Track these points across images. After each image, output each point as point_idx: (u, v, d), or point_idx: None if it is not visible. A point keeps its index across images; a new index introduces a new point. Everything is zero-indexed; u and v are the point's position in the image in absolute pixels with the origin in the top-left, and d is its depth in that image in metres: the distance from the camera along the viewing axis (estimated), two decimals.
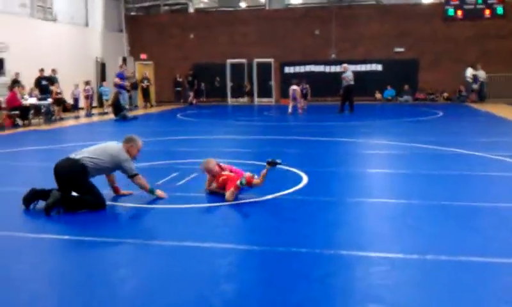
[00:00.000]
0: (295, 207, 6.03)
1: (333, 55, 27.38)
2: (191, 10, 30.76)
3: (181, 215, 5.83)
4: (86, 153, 6.10)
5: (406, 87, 26.49)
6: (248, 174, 6.29)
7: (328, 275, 3.97)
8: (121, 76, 21.47)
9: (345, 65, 20.76)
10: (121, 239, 4.92)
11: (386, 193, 6.85)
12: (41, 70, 20.02)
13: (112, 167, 6.18)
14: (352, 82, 19.71)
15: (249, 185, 6.21)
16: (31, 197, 6.00)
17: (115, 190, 6.58)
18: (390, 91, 27.00)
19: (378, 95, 27.16)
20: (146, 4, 30.81)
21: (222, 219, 5.73)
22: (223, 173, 6.52)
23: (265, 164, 6.38)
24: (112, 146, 6.25)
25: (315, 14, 27.75)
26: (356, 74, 21.32)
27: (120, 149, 6.20)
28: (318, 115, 19.74)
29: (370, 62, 27.13)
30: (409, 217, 5.53)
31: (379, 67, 27.21)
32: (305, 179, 7.36)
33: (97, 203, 5.91)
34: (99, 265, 4.36)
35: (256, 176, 6.31)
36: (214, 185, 6.56)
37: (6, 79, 18.69)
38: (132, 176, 6.22)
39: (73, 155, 6.08)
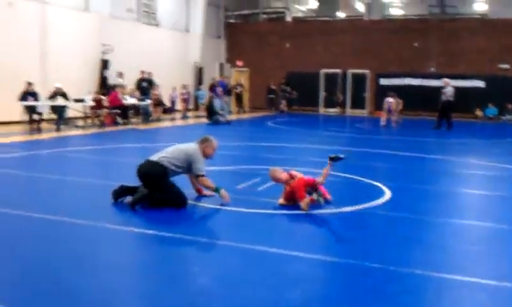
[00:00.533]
0: (373, 221, 5.88)
1: (432, 69, 26.43)
2: (289, 19, 31.01)
3: (257, 219, 5.87)
4: (164, 153, 6.35)
5: (510, 106, 24.97)
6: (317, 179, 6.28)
7: (401, 294, 3.83)
8: (223, 85, 22.09)
9: (446, 80, 19.91)
10: (197, 237, 5.04)
11: (475, 215, 6.49)
12: (142, 72, 21.01)
13: (187, 167, 6.37)
14: (452, 98, 18.92)
15: (315, 186, 6.22)
16: (120, 192, 6.32)
17: (198, 190, 6.76)
18: (492, 110, 25.56)
19: (479, 113, 25.81)
20: (245, 12, 31.47)
21: (297, 226, 5.71)
22: (291, 181, 6.37)
23: (328, 160, 6.32)
24: (188, 147, 6.45)
25: (414, 26, 26.99)
26: (456, 90, 20.41)
27: (196, 150, 6.39)
28: (412, 129, 19.10)
29: (472, 78, 25.87)
30: (495, 242, 5.20)
31: (481, 83, 25.89)
32: (388, 194, 7.15)
33: (178, 201, 6.12)
34: (174, 260, 4.49)
35: (318, 178, 6.24)
36: (281, 200, 6.40)
37: (122, 81, 19.66)
38: (198, 176, 6.38)
39: (153, 157, 6.35)
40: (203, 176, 6.37)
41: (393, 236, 5.34)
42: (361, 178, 8.38)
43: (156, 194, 6.16)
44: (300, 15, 32.78)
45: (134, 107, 19.35)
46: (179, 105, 23.46)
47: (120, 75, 19.90)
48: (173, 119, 21.48)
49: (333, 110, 28.44)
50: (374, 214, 6.15)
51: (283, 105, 28.21)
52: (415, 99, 24.88)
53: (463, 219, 6.17)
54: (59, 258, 4.43)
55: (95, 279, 3.98)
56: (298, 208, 6.13)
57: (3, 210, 5.80)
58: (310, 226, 5.77)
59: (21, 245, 4.77)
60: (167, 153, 6.35)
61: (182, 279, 4.05)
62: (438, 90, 20.87)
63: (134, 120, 18.93)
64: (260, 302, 3.60)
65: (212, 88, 22.41)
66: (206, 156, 6.45)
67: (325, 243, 5.12)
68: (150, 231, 5.27)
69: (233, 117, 23.25)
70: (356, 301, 3.67)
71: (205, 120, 20.31)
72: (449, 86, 19.28)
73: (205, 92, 25.87)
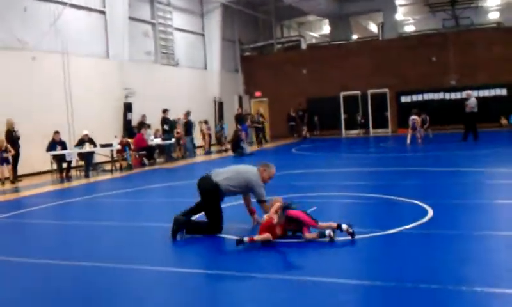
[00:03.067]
0: (421, 241, 5.77)
1: (453, 82, 26.27)
2: (304, 46, 31.23)
3: (300, 248, 5.80)
4: (225, 175, 6.54)
5: None
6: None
7: None
8: (245, 128, 22.42)
9: (468, 92, 19.84)
10: (245, 273, 5.00)
11: None
12: (165, 111, 21.24)
13: (242, 189, 6.56)
14: (475, 109, 18.79)
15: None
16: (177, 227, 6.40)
17: (250, 211, 6.89)
18: None
19: (504, 121, 25.45)
20: (260, 43, 31.82)
21: (344, 253, 5.60)
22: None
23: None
24: (247, 169, 6.64)
25: (430, 41, 26.97)
26: (479, 100, 20.24)
27: (255, 174, 6.57)
28: (439, 144, 18.91)
29: (494, 87, 25.65)
30: None
31: (503, 91, 25.64)
32: (430, 212, 7.03)
33: (216, 228, 6.35)
34: (227, 299, 4.46)
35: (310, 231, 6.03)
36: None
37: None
38: (260, 201, 6.51)
39: (213, 176, 6.58)
40: (265, 201, 6.50)
41: (444, 254, 5.20)
42: (398, 198, 8.28)
43: (193, 221, 6.51)
44: (314, 41, 33.01)
45: (159, 147, 19.55)
46: (201, 141, 23.58)
47: (144, 117, 20.16)
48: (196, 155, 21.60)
49: (355, 132, 28.37)
50: (420, 234, 6.03)
51: (305, 131, 28.26)
52: (437, 113, 24.73)
53: (508, 231, 6.02)
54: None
55: None
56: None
57: (50, 261, 5.85)
58: (358, 251, 5.64)
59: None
60: (223, 173, 6.58)
61: None
62: (460, 102, 20.80)
63: (159, 160, 19.10)
64: None
65: (238, 121, 22.78)
66: (263, 181, 6.60)
67: (376, 267, 5.00)
68: (196, 270, 5.25)
69: (254, 148, 23.30)
70: None
71: (228, 154, 20.41)
72: (472, 97, 19.16)
73: (226, 125, 26.04)
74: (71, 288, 4.93)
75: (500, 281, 4.33)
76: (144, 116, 20.24)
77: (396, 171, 12.48)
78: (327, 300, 4.13)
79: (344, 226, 5.92)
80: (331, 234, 5.84)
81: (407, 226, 6.32)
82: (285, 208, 6.12)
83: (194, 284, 4.88)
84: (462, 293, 4.08)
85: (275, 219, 5.93)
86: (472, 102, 18.92)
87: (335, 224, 6.00)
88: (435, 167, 12.25)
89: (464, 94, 20.33)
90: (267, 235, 5.82)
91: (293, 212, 6.18)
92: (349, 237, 5.84)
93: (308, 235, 5.99)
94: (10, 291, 4.96)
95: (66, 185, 13.90)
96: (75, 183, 14.20)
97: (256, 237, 5.83)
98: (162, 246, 6.31)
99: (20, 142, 15.37)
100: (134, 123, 20.52)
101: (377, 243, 5.84)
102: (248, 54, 31.60)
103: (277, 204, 6.08)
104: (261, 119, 26.97)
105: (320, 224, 6.10)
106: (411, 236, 5.97)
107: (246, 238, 5.77)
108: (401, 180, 10.77)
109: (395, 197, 8.37)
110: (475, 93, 21.21)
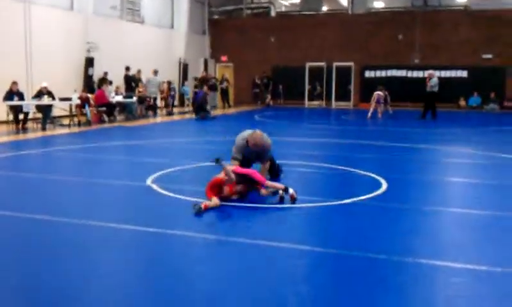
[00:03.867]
0: (373, 213, 5.91)
1: (416, 60, 26.65)
2: (273, 14, 30.98)
3: (256, 214, 5.87)
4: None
5: (493, 95, 25.30)
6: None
7: (407, 284, 3.87)
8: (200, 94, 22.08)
9: (431, 72, 20.18)
10: (201, 234, 5.03)
11: (469, 203, 6.56)
12: (127, 69, 20.83)
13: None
14: (436, 89, 19.18)
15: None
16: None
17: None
18: (475, 99, 25.90)
19: (462, 102, 26.14)
20: (229, 7, 31.37)
21: (297, 220, 5.70)
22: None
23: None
24: (244, 133, 7.20)
25: (398, 18, 27.17)
26: (440, 80, 20.64)
27: (241, 137, 7.12)
28: (398, 121, 19.26)
29: (456, 68, 26.17)
30: (493, 229, 5.28)
31: (464, 74, 26.21)
32: (384, 185, 7.20)
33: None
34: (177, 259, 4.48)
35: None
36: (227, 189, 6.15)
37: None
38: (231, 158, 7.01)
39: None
40: (233, 160, 6.96)
41: (394, 226, 5.36)
42: (355, 170, 8.43)
43: None
44: (284, 9, 32.78)
45: (120, 105, 19.22)
46: (162, 102, 23.31)
47: (105, 73, 19.72)
48: (158, 115, 21.37)
49: (317, 103, 28.55)
50: (373, 206, 6.18)
51: (268, 99, 28.26)
52: (399, 90, 25.14)
53: (458, 207, 6.24)
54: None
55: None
56: (298, 201, 6.14)
57: (5, 213, 5.74)
58: (311, 219, 5.77)
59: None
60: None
61: (186, 280, 4.04)
62: (422, 81, 21.16)
63: (119, 117, 18.80)
64: (268, 298, 3.61)
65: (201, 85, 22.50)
66: (250, 146, 6.96)
67: (328, 235, 5.12)
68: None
69: (219, 112, 23.21)
70: (364, 292, 3.70)
71: (191, 116, 20.26)
72: (434, 77, 19.51)
73: (189, 88, 25.87)
74: (20, 241, 4.86)
75: (445, 254, 4.49)
76: (106, 73, 19.80)
77: (354, 143, 12.67)
78: (277, 264, 4.21)
79: (291, 190, 6.10)
80: (282, 194, 6.13)
81: (361, 197, 6.46)
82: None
83: (151, 242, 4.88)
84: (407, 264, 4.22)
85: (223, 177, 6.09)
86: (433, 81, 19.29)
87: (282, 186, 6.22)
88: (392, 142, 12.50)
89: (426, 73, 20.68)
90: (215, 201, 5.89)
91: (244, 170, 6.38)
92: (291, 203, 6.05)
93: (264, 191, 6.33)
94: None
95: (22, 136, 13.56)
96: (31, 135, 13.86)
97: (208, 203, 5.84)
98: (114, 203, 6.26)
99: None
100: (96, 79, 20.04)
101: (331, 212, 5.95)
102: (216, 17, 31.15)
103: (231, 167, 6.23)
104: (226, 83, 26.82)
105: (268, 183, 6.38)
106: (364, 207, 6.11)
107: (202, 205, 5.76)
108: (359, 153, 10.95)
109: (351, 169, 8.52)
110: (437, 73, 21.60)
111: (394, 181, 7.51)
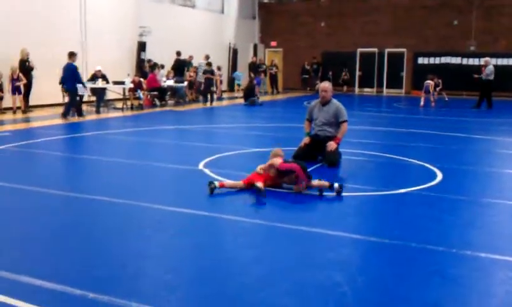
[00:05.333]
0: (428, 204, 5.77)
1: (472, 48, 25.76)
2: None
3: (305, 201, 5.83)
4: None
5: None
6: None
7: (465, 276, 3.77)
8: (258, 81, 22.19)
9: (487, 59, 19.50)
10: (252, 219, 5.05)
11: None
12: (178, 53, 21.03)
13: None
14: (491, 77, 18.52)
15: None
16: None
17: None
18: None
19: None
20: None
21: (353, 209, 5.63)
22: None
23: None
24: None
25: (454, 3, 26.28)
26: (497, 68, 19.90)
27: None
28: (452, 110, 18.72)
29: None
30: None
31: None
32: (439, 175, 7.02)
33: None
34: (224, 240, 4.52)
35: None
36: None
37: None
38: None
39: None
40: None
41: (451, 218, 5.23)
42: (409, 159, 8.26)
43: None
44: None
45: (171, 89, 19.46)
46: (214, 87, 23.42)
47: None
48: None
49: (368, 90, 28.08)
50: (429, 196, 6.03)
51: (318, 85, 27.97)
52: (454, 78, 24.39)
53: None
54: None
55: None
56: (353, 189, 6.07)
57: (57, 192, 5.93)
58: (367, 208, 5.69)
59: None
60: None
61: (239, 264, 4.06)
62: (478, 69, 20.52)
63: (171, 102, 19.05)
64: (324, 286, 3.59)
65: (252, 70, 22.63)
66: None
67: (384, 225, 5.03)
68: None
69: (267, 98, 23.17)
70: (421, 283, 3.62)
71: (240, 101, 20.33)
72: (490, 65, 18.86)
73: (241, 74, 25.88)
74: (76, 220, 5.02)
75: (504, 248, 4.35)
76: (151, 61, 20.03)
77: (407, 132, 12.41)
78: (331, 253, 4.17)
79: (336, 185, 5.91)
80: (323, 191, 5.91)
81: (415, 187, 6.33)
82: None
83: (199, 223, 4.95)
84: (467, 258, 4.11)
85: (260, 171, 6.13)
86: (489, 69, 18.65)
87: (327, 183, 5.99)
88: (446, 132, 12.16)
89: (482, 61, 19.99)
90: (237, 183, 6.06)
91: (288, 165, 6.13)
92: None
93: (296, 187, 6.01)
94: (27, 225, 5.06)
95: (76, 119, 13.94)
96: (85, 118, 14.24)
97: (227, 183, 6.06)
98: (168, 186, 6.36)
99: (34, 73, 15.32)
100: (147, 63, 20.33)
101: (385, 201, 5.86)
102: (266, 1, 31.00)
103: (274, 162, 6.14)
104: (275, 69, 26.73)
105: (312, 182, 6.07)
106: (419, 198, 5.98)
107: (217, 183, 5.92)
108: (412, 141, 10.72)
109: (405, 158, 8.36)
110: (493, 61, 20.83)
111: (449, 171, 7.32)
